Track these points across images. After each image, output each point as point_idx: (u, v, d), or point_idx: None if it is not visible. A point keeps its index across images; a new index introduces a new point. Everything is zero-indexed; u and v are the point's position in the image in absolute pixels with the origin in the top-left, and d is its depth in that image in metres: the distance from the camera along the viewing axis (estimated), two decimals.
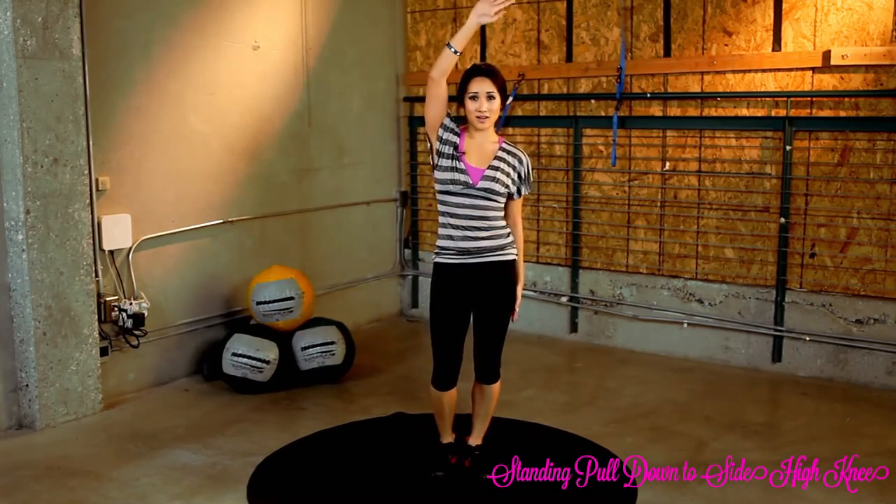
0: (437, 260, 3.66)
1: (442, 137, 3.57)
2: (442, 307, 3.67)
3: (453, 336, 3.67)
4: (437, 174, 3.58)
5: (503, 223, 3.64)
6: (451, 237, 3.61)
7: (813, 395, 4.87)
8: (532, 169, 3.69)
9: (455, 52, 3.45)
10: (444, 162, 3.56)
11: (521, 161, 3.62)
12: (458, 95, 3.56)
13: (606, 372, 5.33)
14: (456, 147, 3.56)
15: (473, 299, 3.66)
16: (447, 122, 3.58)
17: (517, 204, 3.70)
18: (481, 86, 3.50)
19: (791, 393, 4.95)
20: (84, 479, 3.78)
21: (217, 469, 3.89)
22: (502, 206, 3.62)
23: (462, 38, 3.45)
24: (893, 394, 4.88)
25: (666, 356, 5.61)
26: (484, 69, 3.55)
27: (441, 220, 3.64)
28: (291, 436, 4.25)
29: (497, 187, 3.54)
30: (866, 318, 5.01)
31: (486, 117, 3.51)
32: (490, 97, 3.50)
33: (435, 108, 3.55)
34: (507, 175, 3.57)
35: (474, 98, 3.50)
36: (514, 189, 3.61)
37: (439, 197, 3.62)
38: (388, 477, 3.83)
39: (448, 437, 3.93)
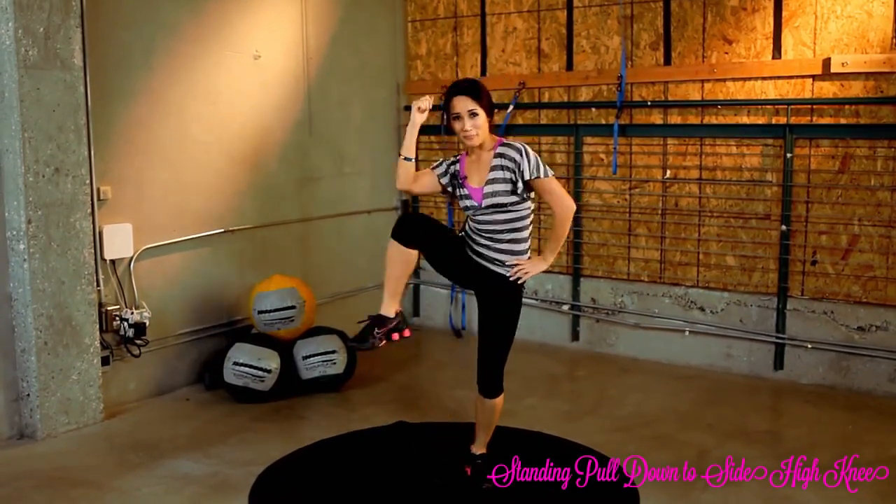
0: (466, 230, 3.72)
1: (445, 183, 3.68)
2: (454, 234, 3.77)
3: (440, 229, 3.73)
4: (459, 202, 3.69)
5: (524, 235, 3.60)
6: (471, 238, 3.65)
7: (815, 403, 4.86)
8: (536, 156, 3.48)
9: (408, 159, 3.56)
10: (457, 192, 3.65)
11: (513, 160, 3.46)
12: (444, 116, 3.56)
13: (608, 380, 5.32)
14: (457, 175, 3.63)
15: (472, 278, 3.71)
16: (440, 173, 3.68)
17: (545, 188, 3.49)
18: (462, 104, 3.47)
19: (793, 400, 4.95)
20: (85, 488, 3.77)
21: (218, 478, 3.89)
22: (525, 209, 3.54)
23: (409, 144, 3.57)
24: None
25: (668, 364, 5.60)
26: (462, 87, 3.51)
27: (469, 223, 3.69)
28: (293, 445, 4.25)
29: (500, 199, 3.50)
30: (868, 325, 5.00)
31: (474, 135, 3.49)
32: (472, 114, 3.46)
33: (427, 190, 3.78)
34: (506, 181, 3.49)
35: (457, 118, 3.49)
36: (521, 186, 3.46)
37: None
38: (390, 485, 3.82)
39: (389, 308, 3.74)
